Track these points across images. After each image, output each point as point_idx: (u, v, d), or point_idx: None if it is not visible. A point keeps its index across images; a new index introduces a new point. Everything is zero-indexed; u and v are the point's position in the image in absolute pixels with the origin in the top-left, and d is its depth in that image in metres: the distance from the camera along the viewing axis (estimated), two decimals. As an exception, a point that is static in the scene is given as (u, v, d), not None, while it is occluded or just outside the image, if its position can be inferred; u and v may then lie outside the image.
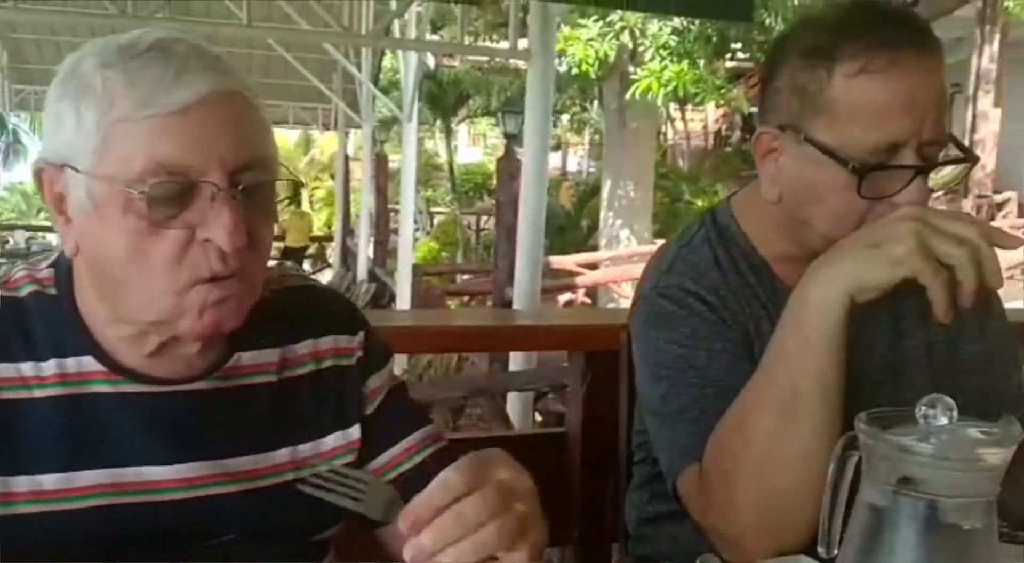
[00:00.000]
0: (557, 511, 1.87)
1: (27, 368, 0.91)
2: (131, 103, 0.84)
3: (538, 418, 5.93)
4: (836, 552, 0.87)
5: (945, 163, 1.15)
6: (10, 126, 22.76)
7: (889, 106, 1.08)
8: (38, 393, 0.91)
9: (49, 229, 18.56)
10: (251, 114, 0.90)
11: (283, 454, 1.00)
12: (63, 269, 0.96)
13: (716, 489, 1.11)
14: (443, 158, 21.99)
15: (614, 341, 1.70)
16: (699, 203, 14.38)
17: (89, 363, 0.93)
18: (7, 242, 15.90)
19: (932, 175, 1.13)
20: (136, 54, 0.86)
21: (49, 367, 0.92)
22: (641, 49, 10.93)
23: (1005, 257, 1.05)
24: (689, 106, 17.22)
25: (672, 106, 16.50)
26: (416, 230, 14.98)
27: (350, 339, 1.07)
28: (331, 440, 1.03)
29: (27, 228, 18.10)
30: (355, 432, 1.05)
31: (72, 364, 0.93)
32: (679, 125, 20.14)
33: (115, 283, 0.89)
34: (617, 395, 1.70)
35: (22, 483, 0.89)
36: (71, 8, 11.36)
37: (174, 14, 8.60)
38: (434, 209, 20.99)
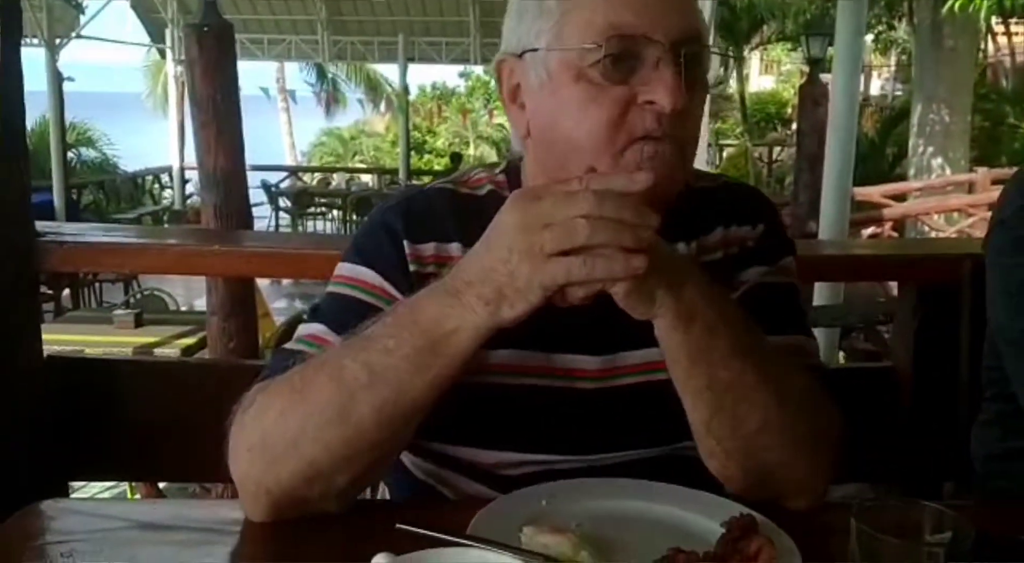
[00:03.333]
0: (884, 446, 1.84)
1: None
2: None
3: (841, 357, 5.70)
4: None
5: None
6: (329, 76, 24.67)
7: None
8: None
9: (364, 171, 20.10)
10: None
11: None
12: (513, 174, 1.13)
13: None
14: (733, 88, 21.27)
15: (953, 272, 1.63)
16: (1026, 126, 12.95)
17: None
18: (330, 183, 17.29)
19: None
20: None
21: None
22: (962, -43, 9.87)
23: None
24: (1014, 19, 15.41)
25: (994, 19, 14.85)
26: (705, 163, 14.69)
27: (749, 230, 1.13)
28: None
29: (345, 170, 19.74)
30: None
31: None
32: (1002, 40, 18.12)
33: (562, 151, 0.99)
34: (956, 329, 1.63)
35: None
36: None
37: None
38: (723, 141, 20.43)
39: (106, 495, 3.62)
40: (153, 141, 20.32)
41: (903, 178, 12.49)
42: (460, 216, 1.08)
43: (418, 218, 1.09)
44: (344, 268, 1.09)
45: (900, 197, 10.38)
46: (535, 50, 1.00)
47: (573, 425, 1.06)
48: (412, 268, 1.06)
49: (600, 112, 0.96)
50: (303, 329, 1.07)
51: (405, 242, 1.07)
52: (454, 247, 1.07)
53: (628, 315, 0.95)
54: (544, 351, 1.06)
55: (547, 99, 1.00)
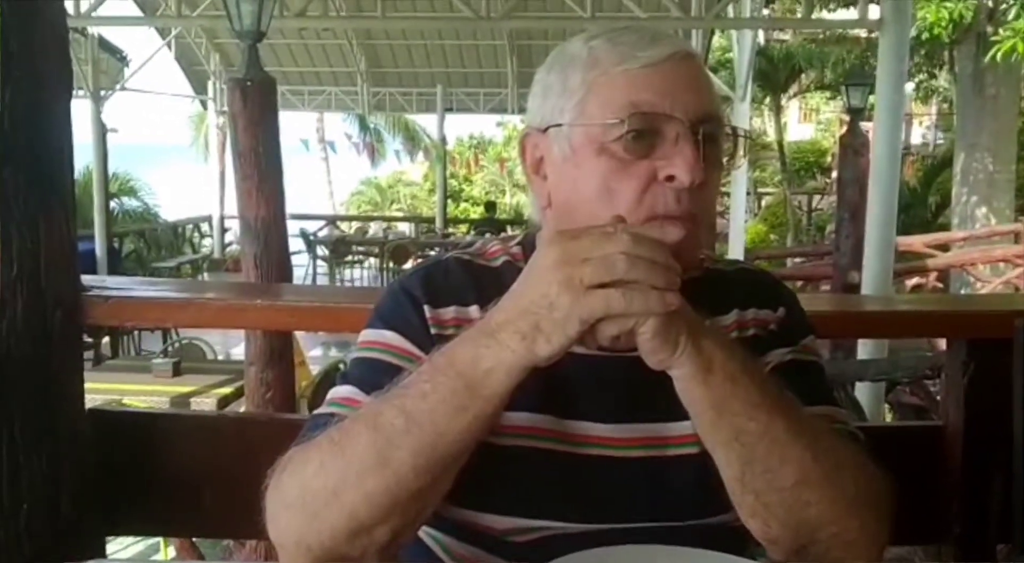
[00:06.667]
0: (934, 506, 1.79)
1: None
2: (612, 59, 1.01)
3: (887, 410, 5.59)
4: None
5: None
6: (371, 126, 25.04)
7: None
8: None
9: (401, 219, 20.29)
10: (705, 76, 1.05)
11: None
12: (528, 246, 1.14)
13: None
14: (771, 137, 21.27)
15: (1004, 328, 1.59)
16: (1072, 175, 12.75)
17: None
18: (367, 232, 17.41)
19: None
20: (615, 29, 1.05)
21: None
22: (1004, 7, 9.85)
23: None
24: (1058, 66, 15.29)
25: (1036, 67, 14.76)
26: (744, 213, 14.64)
27: (770, 313, 1.13)
28: None
29: (383, 218, 19.91)
30: None
31: None
32: (1045, 88, 17.98)
33: (583, 220, 0.98)
34: (1008, 386, 1.58)
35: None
36: (422, 14, 12.34)
37: (519, 11, 9.13)
38: (761, 190, 20.38)
39: (140, 547, 3.62)
40: (193, 190, 20.67)
41: (946, 227, 12.37)
42: (478, 284, 1.10)
43: (437, 285, 1.10)
44: (367, 334, 1.10)
45: (944, 247, 10.28)
46: (559, 125, 1.04)
47: (583, 492, 1.05)
48: (433, 331, 1.07)
49: (621, 185, 1.00)
50: (333, 393, 1.08)
51: (425, 307, 1.08)
52: (473, 310, 1.08)
53: (639, 387, 0.98)
54: (556, 416, 1.05)
55: (570, 171, 1.04)
